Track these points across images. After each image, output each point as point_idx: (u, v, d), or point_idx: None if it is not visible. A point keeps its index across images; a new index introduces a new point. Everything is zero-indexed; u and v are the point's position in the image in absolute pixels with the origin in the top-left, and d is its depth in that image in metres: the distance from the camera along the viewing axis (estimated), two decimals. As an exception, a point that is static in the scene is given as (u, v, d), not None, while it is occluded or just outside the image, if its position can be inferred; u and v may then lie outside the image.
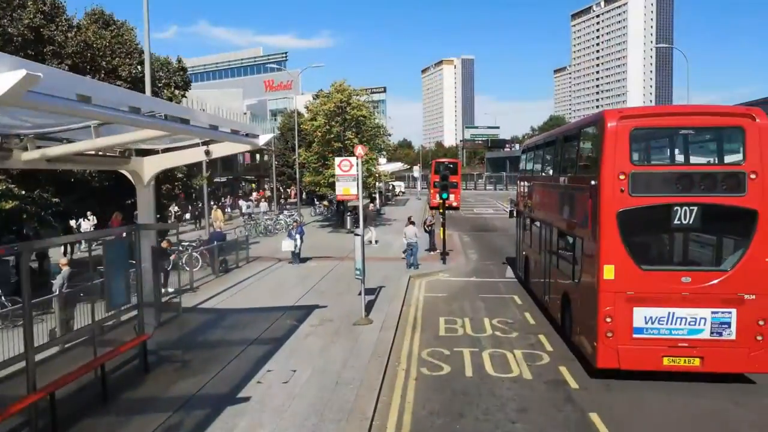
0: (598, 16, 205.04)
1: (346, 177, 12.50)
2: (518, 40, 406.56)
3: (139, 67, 19.60)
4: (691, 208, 8.89)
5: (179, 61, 20.78)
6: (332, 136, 32.05)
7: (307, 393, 8.62)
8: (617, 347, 9.07)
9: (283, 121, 57.09)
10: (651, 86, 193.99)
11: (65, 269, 11.68)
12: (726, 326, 8.89)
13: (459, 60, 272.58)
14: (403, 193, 73.05)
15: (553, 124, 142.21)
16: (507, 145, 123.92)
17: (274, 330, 12.15)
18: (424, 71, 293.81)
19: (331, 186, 32.93)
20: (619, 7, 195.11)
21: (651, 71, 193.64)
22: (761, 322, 8.86)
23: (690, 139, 10.05)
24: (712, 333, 8.91)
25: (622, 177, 8.93)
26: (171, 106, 8.06)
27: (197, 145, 9.96)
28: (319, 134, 31.77)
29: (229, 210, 42.27)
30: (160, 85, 19.91)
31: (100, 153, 8.87)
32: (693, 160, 10.12)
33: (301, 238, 20.95)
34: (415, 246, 19.88)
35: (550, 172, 14.14)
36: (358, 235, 12.51)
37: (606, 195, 9.06)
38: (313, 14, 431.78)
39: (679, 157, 10.19)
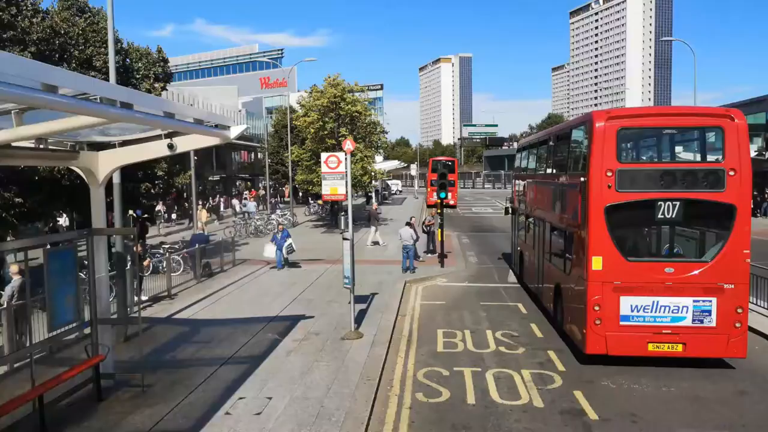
0: (596, 13, 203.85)
1: (334, 175, 11.22)
2: (516, 39, 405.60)
3: (117, 56, 18.31)
4: (673, 203, 9.41)
5: (159, 51, 19.44)
6: (326, 132, 30.75)
7: (282, 428, 7.34)
8: (605, 334, 9.55)
9: (277, 117, 55.71)
10: (650, 84, 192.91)
11: (16, 278, 10.37)
12: (707, 314, 9.37)
13: (457, 58, 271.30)
14: (401, 191, 71.80)
15: (552, 122, 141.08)
16: (505, 143, 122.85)
17: (252, 346, 10.86)
18: (421, 69, 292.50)
19: (325, 185, 31.72)
20: (618, 4, 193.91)
21: (650, 69, 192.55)
22: (739, 310, 9.35)
23: (673, 138, 10.75)
24: (693, 320, 9.39)
25: (609, 174, 9.40)
26: (107, 88, 6.76)
27: (160, 137, 8.68)
28: (312, 131, 30.45)
29: (222, 209, 40.87)
30: (138, 76, 18.61)
31: (42, 146, 7.55)
32: (676, 157, 10.81)
33: (289, 247, 19.26)
34: (411, 249, 18.62)
35: (544, 169, 14.46)
36: (346, 239, 11.22)
37: (594, 191, 9.53)
38: (310, 12, 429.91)
39: (663, 155, 10.91)
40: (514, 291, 16.33)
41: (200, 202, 31.56)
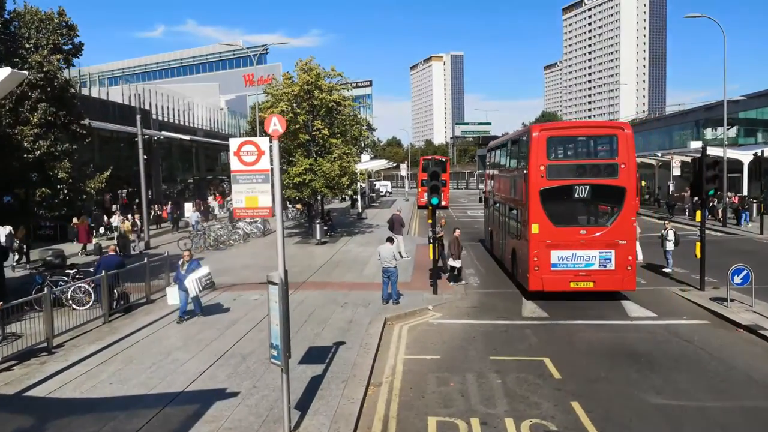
0: (589, 9, 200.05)
1: (251, 175, 6.68)
2: (508, 37, 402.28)
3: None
4: (584, 187, 14.01)
5: (61, 14, 14.73)
6: (298, 126, 26.15)
7: None
8: (542, 277, 14.01)
9: (252, 114, 51.06)
10: (644, 81, 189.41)
11: None
12: (608, 261, 13.85)
13: (448, 56, 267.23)
14: (390, 193, 67.37)
15: (546, 121, 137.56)
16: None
17: (106, 473, 6.30)
18: (412, 68, 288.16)
19: (297, 187, 27.08)
20: (611, 0, 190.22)
21: (644, 66, 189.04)
22: (629, 258, 13.94)
23: (584, 142, 15.66)
24: (599, 265, 13.89)
25: (542, 168, 13.93)
26: None
27: None
28: (280, 123, 25.77)
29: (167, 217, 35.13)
30: (28, 46, 13.98)
31: None
32: (587, 155, 15.57)
33: (199, 282, 12.72)
34: (394, 273, 14.12)
35: (505, 165, 18.53)
36: (273, 282, 6.69)
37: (532, 180, 14.04)
38: (301, 13, 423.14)
39: (578, 154, 15.75)
40: (533, 333, 11.87)
41: (131, 210, 26.58)
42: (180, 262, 13.25)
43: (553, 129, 15.55)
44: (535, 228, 13.86)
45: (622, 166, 13.74)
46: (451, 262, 16.47)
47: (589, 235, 13.89)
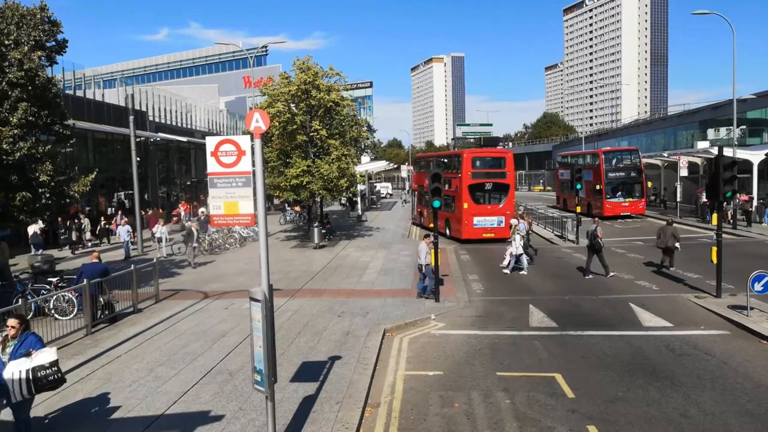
0: (591, 10, 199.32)
1: (231, 178, 5.95)
2: (509, 38, 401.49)
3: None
4: (490, 183, 26.32)
5: (44, 9, 14.01)
6: (295, 126, 25.44)
7: None
8: (468, 231, 25.88)
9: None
10: (646, 81, 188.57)
11: None
12: (501, 222, 25.48)
13: (449, 57, 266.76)
14: (390, 195, 66.54)
15: (547, 121, 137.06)
16: (501, 144, 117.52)
17: None
18: (413, 69, 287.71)
19: (294, 190, 26.37)
20: (613, 0, 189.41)
21: (646, 66, 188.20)
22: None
23: (491, 159, 27.64)
24: (497, 225, 25.68)
25: (469, 173, 25.93)
26: None
27: None
28: (277, 124, 25.06)
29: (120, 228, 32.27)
30: (8, 42, 13.25)
31: None
32: (491, 167, 26.93)
33: (32, 375, 6.29)
34: (424, 268, 13.49)
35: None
36: (255, 300, 5.96)
37: (464, 179, 25.86)
38: (304, 16, 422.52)
39: (488, 166, 26.93)
40: (543, 345, 11.11)
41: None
42: (1, 339, 6.88)
43: (474, 153, 28.39)
44: (466, 205, 25.61)
45: (508, 173, 26.32)
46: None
47: (492, 209, 26.03)
